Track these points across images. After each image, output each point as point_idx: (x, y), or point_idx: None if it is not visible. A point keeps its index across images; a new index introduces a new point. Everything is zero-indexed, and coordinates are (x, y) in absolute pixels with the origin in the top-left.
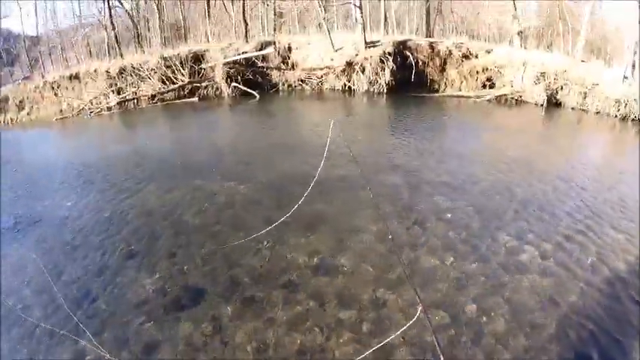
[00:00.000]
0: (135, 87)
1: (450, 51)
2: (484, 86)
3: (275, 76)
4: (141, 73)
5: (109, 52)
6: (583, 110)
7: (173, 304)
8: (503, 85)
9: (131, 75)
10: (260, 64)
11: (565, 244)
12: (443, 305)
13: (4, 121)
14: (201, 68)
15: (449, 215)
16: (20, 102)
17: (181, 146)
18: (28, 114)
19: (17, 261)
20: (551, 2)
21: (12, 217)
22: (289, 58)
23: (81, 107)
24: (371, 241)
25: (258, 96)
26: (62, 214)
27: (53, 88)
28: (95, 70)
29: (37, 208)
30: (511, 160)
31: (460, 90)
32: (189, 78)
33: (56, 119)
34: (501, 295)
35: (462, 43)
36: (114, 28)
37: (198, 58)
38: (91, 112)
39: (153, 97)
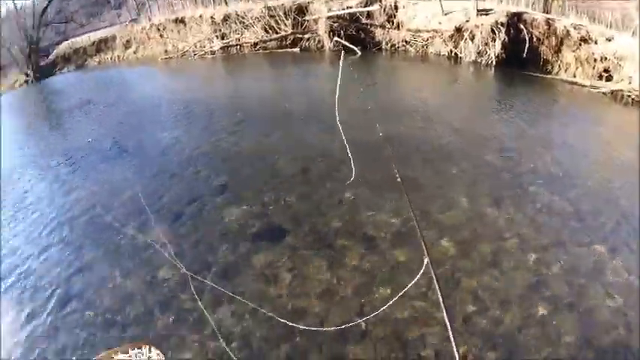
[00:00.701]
0: (238, 34)
1: (568, 31)
2: (600, 77)
3: (378, 34)
4: (245, 21)
5: (213, 0)
6: None
7: (253, 238)
8: (622, 80)
9: (235, 22)
10: (364, 20)
11: None
12: (514, 304)
13: (111, 59)
14: (304, 20)
15: (544, 210)
16: (127, 42)
17: (281, 94)
18: (134, 52)
19: (116, 183)
20: None
21: (116, 144)
22: (395, 17)
23: (185, 49)
24: (456, 216)
25: (359, 52)
26: (162, 145)
27: (159, 30)
28: (200, 16)
29: (139, 138)
30: (620, 164)
31: (574, 76)
32: (292, 29)
33: (161, 59)
34: (576, 306)
35: (581, 25)
36: None
37: (302, 9)
38: (195, 54)
39: (255, 44)
